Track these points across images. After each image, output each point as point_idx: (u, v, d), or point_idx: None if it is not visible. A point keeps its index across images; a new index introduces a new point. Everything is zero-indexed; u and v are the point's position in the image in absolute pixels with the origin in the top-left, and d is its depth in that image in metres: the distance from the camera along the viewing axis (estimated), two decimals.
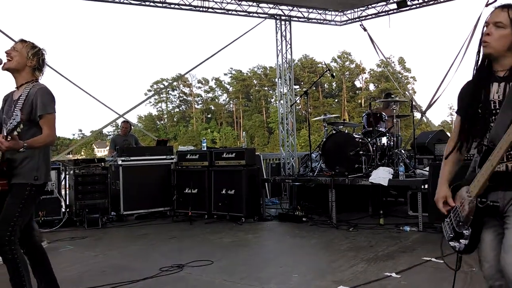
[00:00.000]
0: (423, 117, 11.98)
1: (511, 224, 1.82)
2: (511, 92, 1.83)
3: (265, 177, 9.02)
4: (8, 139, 2.58)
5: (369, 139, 6.71)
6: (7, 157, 2.80)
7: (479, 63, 1.97)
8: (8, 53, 2.88)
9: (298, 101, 11.79)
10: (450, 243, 2.04)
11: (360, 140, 6.71)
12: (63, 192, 7.14)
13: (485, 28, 1.90)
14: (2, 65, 2.88)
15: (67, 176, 7.18)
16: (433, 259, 4.14)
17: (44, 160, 2.92)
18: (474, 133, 1.94)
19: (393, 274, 3.75)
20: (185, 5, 9.47)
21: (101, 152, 55.06)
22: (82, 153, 55.52)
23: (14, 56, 2.87)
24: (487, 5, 8.83)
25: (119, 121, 9.96)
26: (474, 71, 1.99)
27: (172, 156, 7.76)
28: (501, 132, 1.77)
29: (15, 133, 2.61)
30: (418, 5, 9.73)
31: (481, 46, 1.91)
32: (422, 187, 5.68)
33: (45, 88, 2.87)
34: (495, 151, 1.77)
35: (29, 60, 2.89)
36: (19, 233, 2.81)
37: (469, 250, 1.95)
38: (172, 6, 9.46)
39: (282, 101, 10.61)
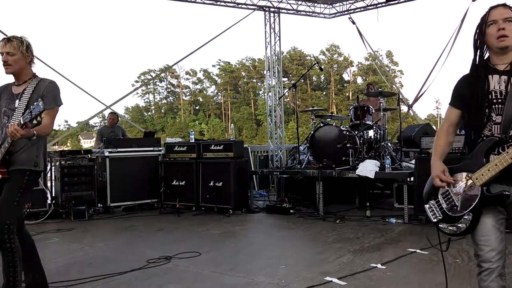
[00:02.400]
0: (410, 111, 12.11)
1: None
2: None
3: (253, 169, 9.05)
4: (23, 127, 2.58)
5: (356, 132, 6.77)
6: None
7: (477, 57, 2.07)
8: (5, 61, 2.85)
9: (286, 94, 11.79)
10: (439, 225, 2.14)
11: (347, 133, 6.76)
12: (48, 184, 7.06)
13: (491, 26, 1.99)
14: (6, 70, 2.89)
15: (53, 167, 7.10)
16: (418, 251, 4.22)
17: (43, 148, 2.98)
18: (475, 123, 2.04)
19: (379, 265, 3.80)
20: None
21: (87, 143, 54.53)
22: (68, 144, 54.90)
23: (15, 61, 2.86)
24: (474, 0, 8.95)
25: (106, 112, 9.87)
26: (473, 65, 2.09)
27: (160, 148, 7.72)
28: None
29: (35, 122, 2.58)
30: None
31: (498, 41, 1.97)
32: (408, 179, 5.74)
33: (55, 83, 2.95)
34: None
35: (26, 57, 2.91)
36: (16, 222, 2.79)
37: (464, 234, 2.06)
38: None
39: (270, 94, 10.60)
